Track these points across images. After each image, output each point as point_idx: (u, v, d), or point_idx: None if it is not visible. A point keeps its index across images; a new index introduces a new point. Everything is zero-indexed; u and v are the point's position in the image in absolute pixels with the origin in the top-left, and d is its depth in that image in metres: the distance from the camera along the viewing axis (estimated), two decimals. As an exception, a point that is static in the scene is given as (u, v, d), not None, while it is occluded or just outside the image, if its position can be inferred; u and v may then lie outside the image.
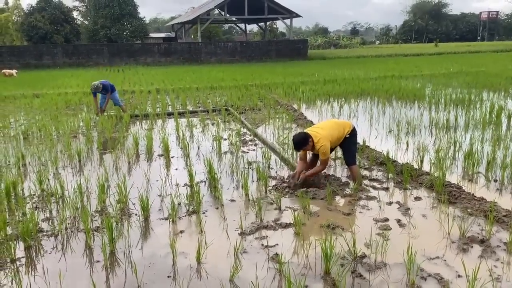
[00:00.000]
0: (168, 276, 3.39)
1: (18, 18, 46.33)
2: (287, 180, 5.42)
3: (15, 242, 3.94)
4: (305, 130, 5.38)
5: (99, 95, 10.72)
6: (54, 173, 6.14)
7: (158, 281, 3.33)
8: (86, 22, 52.66)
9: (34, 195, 5.23)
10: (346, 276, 3.26)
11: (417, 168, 5.63)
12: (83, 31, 47.44)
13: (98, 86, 10.32)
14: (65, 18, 42.87)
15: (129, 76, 22.97)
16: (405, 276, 3.25)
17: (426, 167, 5.73)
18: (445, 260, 3.49)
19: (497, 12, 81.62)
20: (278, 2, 35.44)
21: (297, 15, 36.42)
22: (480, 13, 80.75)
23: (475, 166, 5.68)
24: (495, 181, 5.33)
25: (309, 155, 5.56)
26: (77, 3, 57.22)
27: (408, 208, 4.55)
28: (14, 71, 24.96)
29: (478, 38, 77.19)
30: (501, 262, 3.44)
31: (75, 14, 51.32)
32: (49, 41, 39.95)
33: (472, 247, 3.69)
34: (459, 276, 3.25)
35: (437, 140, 7.32)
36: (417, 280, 3.20)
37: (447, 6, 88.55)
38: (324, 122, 5.66)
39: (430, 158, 6.16)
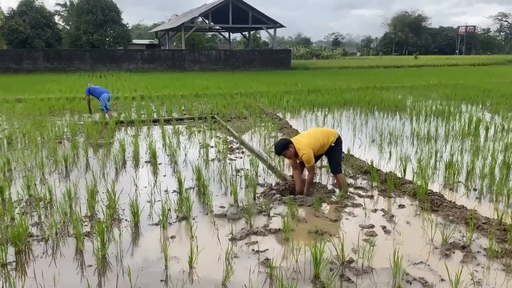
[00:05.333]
0: (161, 280, 3.44)
1: (-2, 21, 45.51)
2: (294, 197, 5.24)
3: (5, 246, 3.92)
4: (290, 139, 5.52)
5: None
6: (40, 179, 6.12)
7: (152, 285, 3.38)
8: (68, 27, 52.07)
9: (21, 200, 5.21)
10: (335, 280, 3.37)
11: (400, 177, 5.81)
12: (65, 36, 46.81)
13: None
14: (46, 23, 42.18)
15: (112, 82, 22.79)
16: (391, 280, 3.38)
17: (409, 176, 5.92)
18: (429, 265, 3.64)
19: (474, 26, 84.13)
20: (262, 12, 35.78)
21: (281, 25, 36.77)
22: (458, 27, 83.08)
23: (456, 176, 5.91)
24: (475, 190, 5.54)
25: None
26: (59, 8, 56.64)
27: (393, 215, 4.70)
28: None
29: (456, 51, 79.19)
30: (482, 267, 3.61)
31: (56, 18, 50.68)
32: (29, 46, 39.33)
33: (454, 252, 3.86)
34: (442, 280, 3.40)
35: (418, 150, 7.55)
36: (403, 283, 3.33)
37: (426, 19, 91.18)
38: (309, 131, 5.83)
39: (412, 167, 6.36)
